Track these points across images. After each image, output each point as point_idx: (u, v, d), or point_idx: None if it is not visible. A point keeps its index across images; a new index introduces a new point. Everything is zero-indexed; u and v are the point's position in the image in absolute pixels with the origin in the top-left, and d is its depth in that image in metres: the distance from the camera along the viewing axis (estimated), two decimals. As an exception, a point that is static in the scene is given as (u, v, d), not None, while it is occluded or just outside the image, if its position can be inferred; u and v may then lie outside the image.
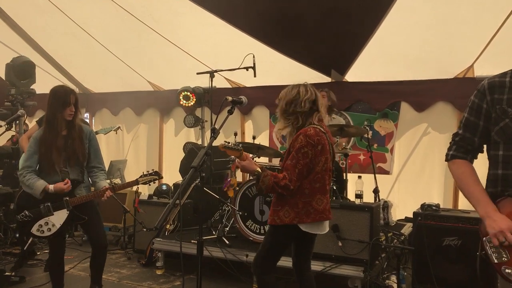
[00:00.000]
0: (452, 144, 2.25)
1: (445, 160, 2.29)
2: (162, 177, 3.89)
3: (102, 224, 4.05)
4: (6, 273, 4.65)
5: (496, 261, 1.96)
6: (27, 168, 3.78)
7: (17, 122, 5.66)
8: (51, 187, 3.71)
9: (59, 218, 3.77)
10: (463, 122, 2.20)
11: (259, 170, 3.00)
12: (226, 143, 3.05)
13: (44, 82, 6.24)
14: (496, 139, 2.05)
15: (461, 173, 2.17)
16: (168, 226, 5.40)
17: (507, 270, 1.92)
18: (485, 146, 2.21)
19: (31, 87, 5.82)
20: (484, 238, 2.03)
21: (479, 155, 2.26)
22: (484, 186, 2.16)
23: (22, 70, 5.73)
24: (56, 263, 3.99)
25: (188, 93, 6.67)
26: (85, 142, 3.90)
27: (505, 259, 1.93)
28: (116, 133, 5.42)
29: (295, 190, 2.98)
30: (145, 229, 5.45)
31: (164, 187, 6.38)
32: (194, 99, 6.68)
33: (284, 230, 3.09)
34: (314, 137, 2.99)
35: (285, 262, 3.44)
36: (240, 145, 3.09)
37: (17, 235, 5.43)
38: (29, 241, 4.88)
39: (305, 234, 3.12)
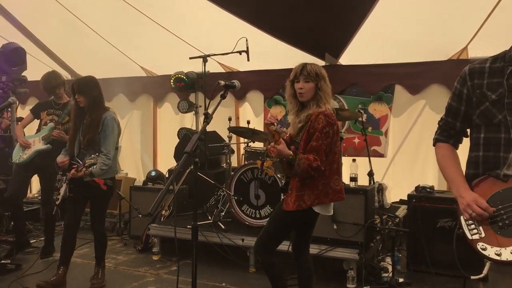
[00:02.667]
0: (437, 128, 2.35)
1: (433, 145, 2.38)
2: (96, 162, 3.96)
3: (99, 209, 4.33)
4: (2, 261, 4.65)
5: (471, 237, 2.03)
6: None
7: (9, 109, 5.62)
8: (58, 159, 4.28)
9: (63, 189, 4.14)
10: (446, 108, 2.29)
11: (292, 153, 2.93)
12: (276, 126, 2.93)
13: (35, 69, 6.17)
14: (477, 122, 2.12)
15: (441, 156, 2.27)
16: (164, 212, 5.41)
17: (481, 246, 1.99)
18: (469, 130, 2.28)
19: (22, 74, 5.76)
20: (461, 217, 2.11)
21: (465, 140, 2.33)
22: (465, 169, 2.23)
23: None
24: (66, 237, 4.19)
25: (182, 76, 6.61)
26: (99, 127, 4.13)
27: (480, 235, 2.00)
28: None
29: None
30: (140, 215, 5.46)
31: (153, 173, 6.38)
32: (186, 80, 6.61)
33: (299, 214, 3.07)
34: (332, 117, 3.02)
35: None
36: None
37: (12, 223, 5.43)
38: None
39: (312, 218, 3.16)
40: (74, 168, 3.96)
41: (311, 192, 3.02)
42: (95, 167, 3.90)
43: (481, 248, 1.99)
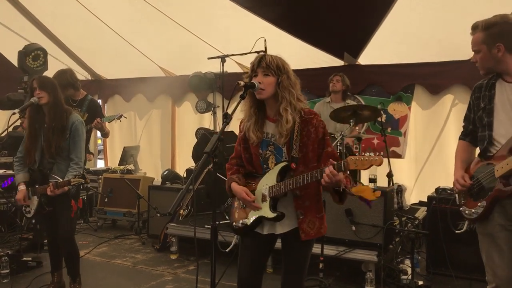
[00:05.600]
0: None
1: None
2: (88, 182, 3.69)
3: (67, 218, 3.80)
4: (24, 258, 4.72)
5: (458, 202, 2.84)
6: (18, 153, 3.85)
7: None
8: (20, 187, 3.80)
9: (33, 203, 3.82)
10: (464, 115, 2.96)
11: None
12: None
13: (56, 70, 6.25)
14: (477, 124, 2.80)
15: (456, 149, 2.99)
16: (181, 211, 5.43)
17: (461, 208, 2.79)
18: None
19: (43, 74, 5.84)
20: None
21: None
22: None
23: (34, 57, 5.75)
24: (52, 249, 4.04)
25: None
26: (66, 132, 3.73)
27: (463, 201, 2.79)
28: (121, 121, 5.35)
29: None
30: (159, 214, 5.49)
31: (165, 173, 6.43)
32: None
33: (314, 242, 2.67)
34: None
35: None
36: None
37: (33, 221, 5.50)
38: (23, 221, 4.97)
39: None
40: (51, 185, 3.55)
41: (322, 211, 2.59)
42: (68, 176, 3.62)
43: (462, 210, 2.77)
